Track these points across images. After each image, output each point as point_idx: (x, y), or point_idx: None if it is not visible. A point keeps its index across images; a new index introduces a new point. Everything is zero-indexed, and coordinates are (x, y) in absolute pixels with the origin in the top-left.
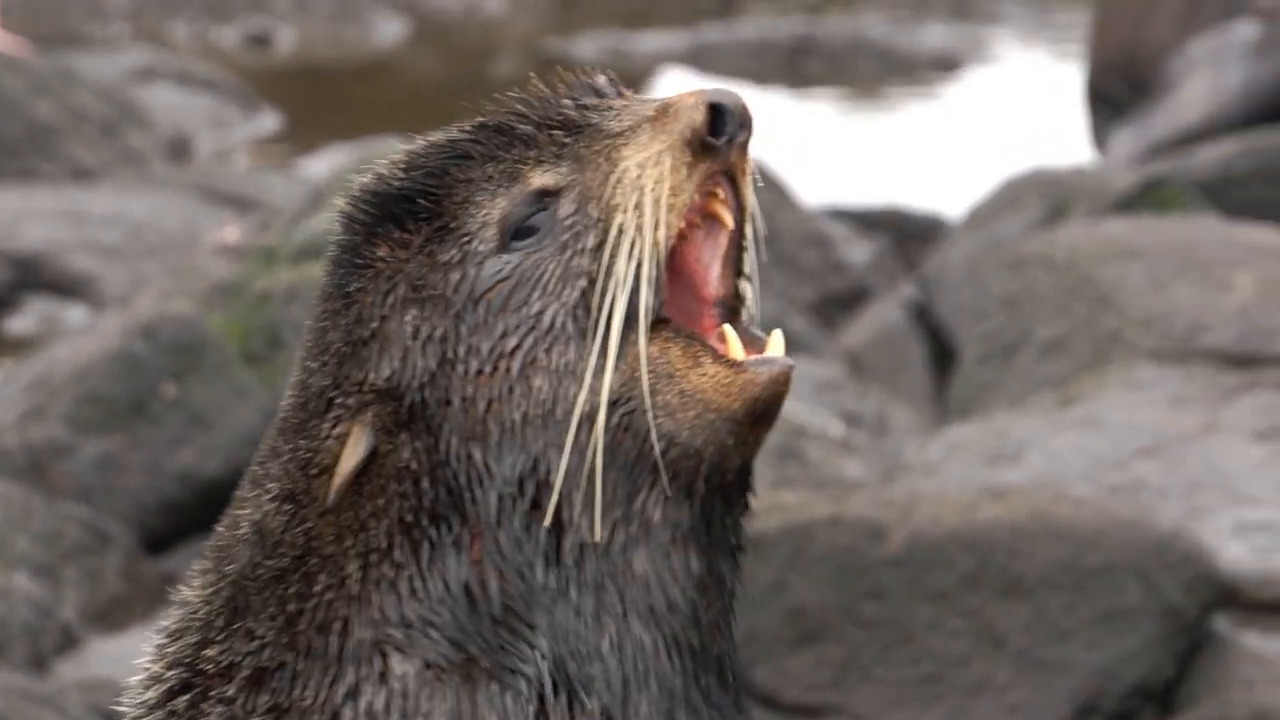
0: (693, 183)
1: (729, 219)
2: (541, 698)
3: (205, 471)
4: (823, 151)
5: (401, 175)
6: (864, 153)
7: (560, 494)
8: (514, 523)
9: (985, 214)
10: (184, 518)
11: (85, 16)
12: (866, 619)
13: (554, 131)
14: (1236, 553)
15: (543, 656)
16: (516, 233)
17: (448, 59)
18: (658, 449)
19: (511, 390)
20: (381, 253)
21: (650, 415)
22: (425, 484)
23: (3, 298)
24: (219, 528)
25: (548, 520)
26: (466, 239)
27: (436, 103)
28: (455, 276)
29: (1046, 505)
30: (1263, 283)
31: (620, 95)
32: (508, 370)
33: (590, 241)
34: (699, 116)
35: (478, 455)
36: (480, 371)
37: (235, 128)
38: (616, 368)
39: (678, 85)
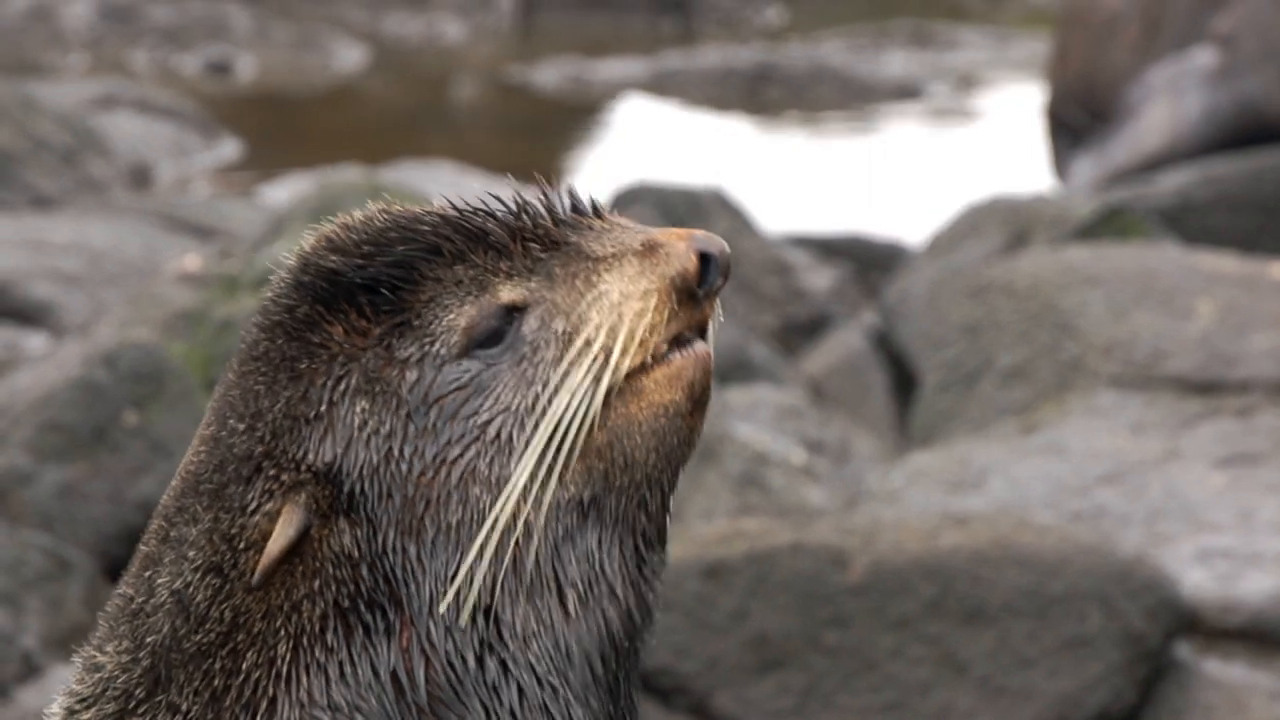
0: (670, 329)
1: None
2: None
3: None
4: (784, 179)
5: (365, 261)
6: (825, 180)
7: (493, 589)
8: (446, 616)
9: (946, 241)
10: None
11: (45, 45)
12: (829, 646)
13: (530, 244)
14: (1198, 579)
15: None
16: (481, 342)
17: (408, 86)
18: (643, 517)
19: (449, 496)
20: (337, 335)
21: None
22: (364, 571)
23: None
24: (127, 589)
25: (467, 616)
26: (429, 340)
27: (397, 130)
28: (412, 376)
29: (1008, 532)
30: (1223, 310)
31: (599, 216)
32: (447, 477)
33: (550, 354)
34: (691, 265)
35: (413, 551)
36: (422, 474)
37: (196, 155)
38: (557, 469)
39: (637, 117)
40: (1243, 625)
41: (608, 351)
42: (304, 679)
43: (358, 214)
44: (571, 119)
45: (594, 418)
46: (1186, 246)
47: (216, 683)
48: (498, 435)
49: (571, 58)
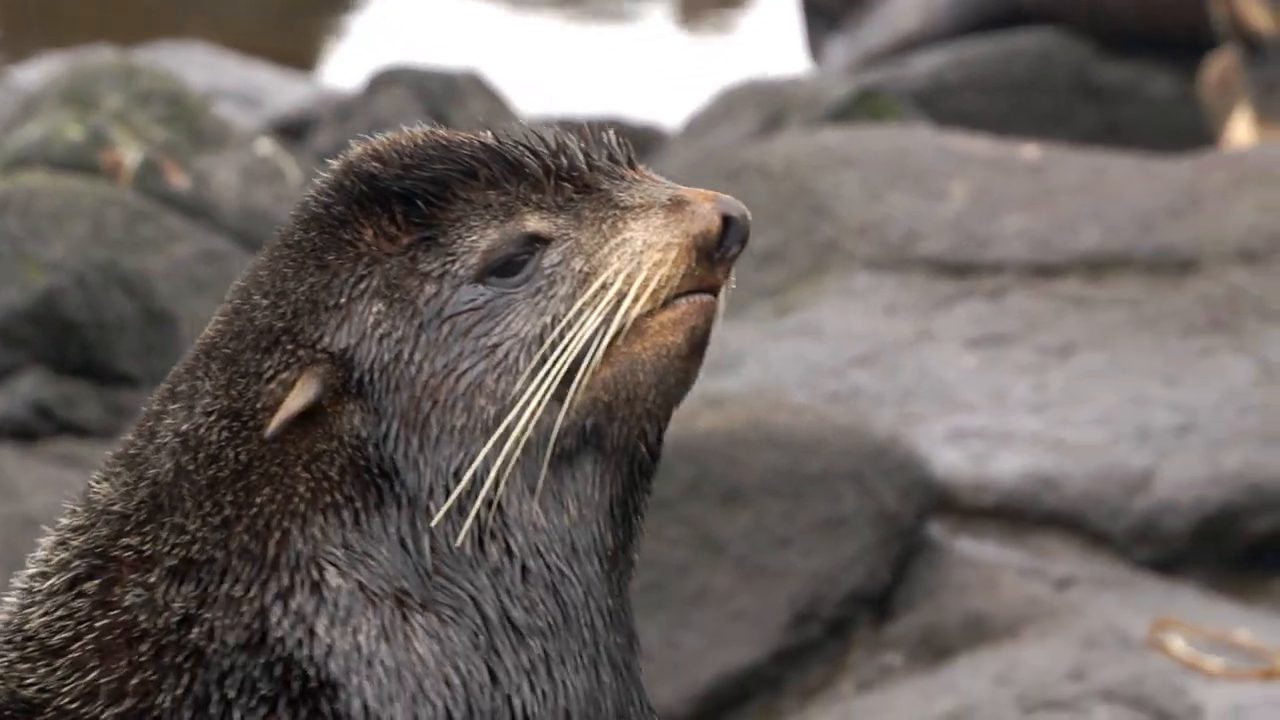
0: (683, 284)
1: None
2: (489, 630)
3: None
4: (540, 61)
5: (404, 172)
6: (581, 62)
7: (495, 484)
8: (445, 502)
9: (702, 124)
10: None
11: None
12: None
13: (563, 183)
14: (950, 459)
15: (487, 603)
16: (497, 268)
17: None
18: (643, 450)
19: (455, 403)
20: (367, 236)
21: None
22: (371, 448)
23: None
24: (125, 442)
25: (476, 510)
26: (451, 259)
27: (150, 10)
28: (430, 290)
29: (764, 413)
30: (975, 191)
31: (631, 167)
32: (454, 386)
33: (564, 290)
34: (714, 227)
35: (415, 443)
36: (431, 378)
37: None
38: (569, 397)
39: (393, 0)
40: (994, 504)
41: (621, 296)
42: (319, 519)
43: (407, 131)
44: (328, 2)
45: (600, 355)
46: (939, 128)
47: (228, 512)
48: (505, 357)
49: None
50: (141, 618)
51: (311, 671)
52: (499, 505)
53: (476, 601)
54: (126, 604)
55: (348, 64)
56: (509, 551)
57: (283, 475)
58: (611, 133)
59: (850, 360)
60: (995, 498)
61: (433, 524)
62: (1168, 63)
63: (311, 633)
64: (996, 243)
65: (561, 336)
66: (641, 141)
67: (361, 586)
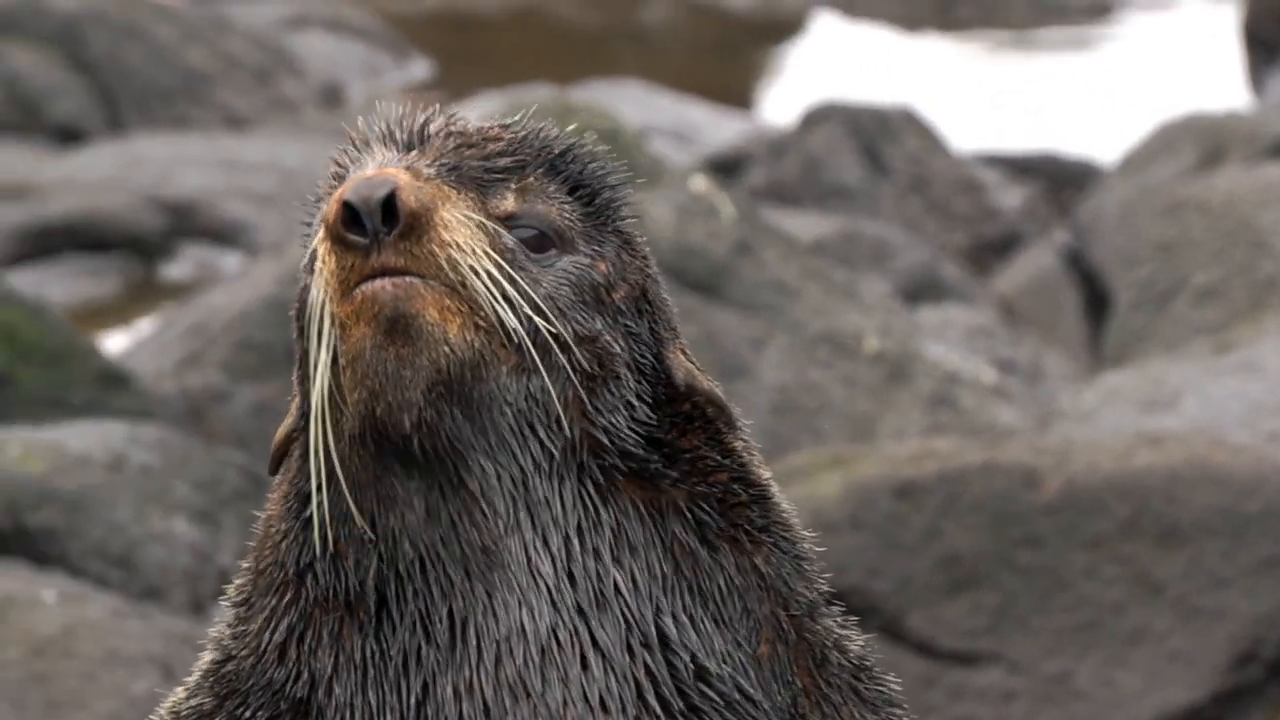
0: (349, 276)
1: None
2: (399, 624)
3: None
4: (975, 97)
5: None
6: (1017, 98)
7: (318, 495)
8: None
9: (1140, 159)
10: None
11: None
12: (1022, 566)
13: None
14: None
15: (416, 610)
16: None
17: (596, 5)
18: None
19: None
20: None
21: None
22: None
23: (159, 244)
24: None
25: (320, 519)
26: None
27: (585, 50)
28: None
29: (1204, 452)
30: None
31: (412, 149)
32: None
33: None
34: (331, 214)
35: None
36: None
37: (387, 75)
38: (323, 395)
39: (827, 36)
40: None
41: (317, 306)
42: (280, 546)
43: None
44: (761, 38)
45: (325, 355)
46: None
47: (254, 552)
48: (302, 360)
49: None
50: (208, 656)
51: (290, 689)
52: (348, 514)
53: (408, 606)
54: (214, 636)
55: (782, 100)
56: (363, 545)
57: (270, 514)
58: (408, 110)
59: None
60: None
61: (316, 535)
62: None
63: (282, 653)
64: None
65: (307, 349)
66: (1076, 176)
67: (314, 600)
